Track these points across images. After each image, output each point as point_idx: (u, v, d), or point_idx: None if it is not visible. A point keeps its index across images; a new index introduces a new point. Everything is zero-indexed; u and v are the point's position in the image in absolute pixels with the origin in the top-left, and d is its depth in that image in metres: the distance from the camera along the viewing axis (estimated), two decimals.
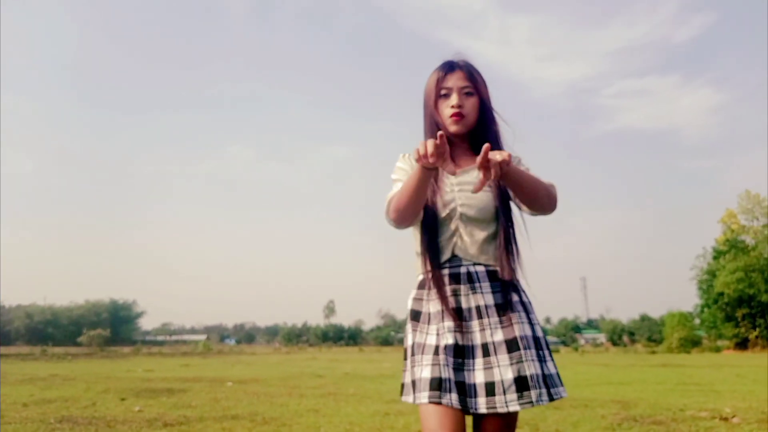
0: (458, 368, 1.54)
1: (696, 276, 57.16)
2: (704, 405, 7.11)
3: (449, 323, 1.57)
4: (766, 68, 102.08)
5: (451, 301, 1.61)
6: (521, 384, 1.51)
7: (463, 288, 1.62)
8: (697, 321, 59.46)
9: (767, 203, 53.47)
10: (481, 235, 1.66)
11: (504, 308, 1.61)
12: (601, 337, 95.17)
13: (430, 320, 1.62)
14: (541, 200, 1.60)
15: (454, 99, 1.70)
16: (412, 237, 1.76)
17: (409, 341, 1.65)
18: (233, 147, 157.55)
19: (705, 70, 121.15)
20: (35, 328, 79.31)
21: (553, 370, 1.60)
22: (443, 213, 1.66)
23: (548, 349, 1.64)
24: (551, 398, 1.55)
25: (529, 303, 1.68)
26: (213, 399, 7.86)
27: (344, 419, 5.97)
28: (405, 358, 1.64)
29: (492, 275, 1.64)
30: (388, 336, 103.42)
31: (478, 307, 1.60)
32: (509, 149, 1.76)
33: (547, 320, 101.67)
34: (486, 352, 1.55)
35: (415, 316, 1.67)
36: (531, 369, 1.53)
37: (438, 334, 1.57)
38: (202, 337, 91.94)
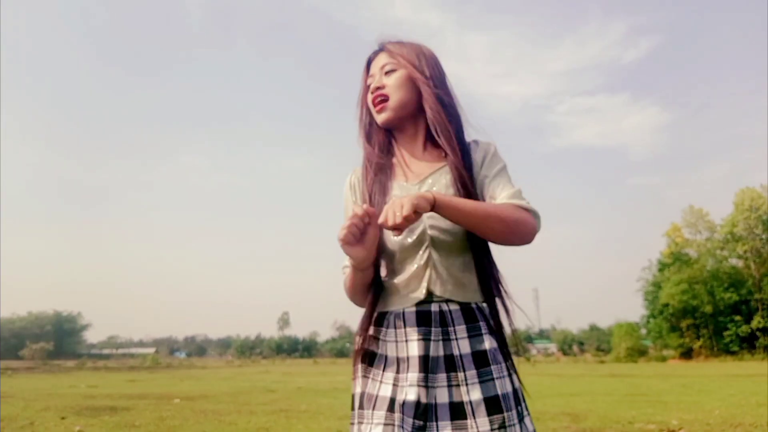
0: (418, 430, 1.19)
1: (642, 287, 58.92)
2: (652, 417, 7.24)
3: (413, 374, 1.21)
4: (709, 88, 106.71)
5: (420, 347, 1.24)
6: None
7: (434, 332, 1.25)
8: (644, 331, 61.18)
9: (710, 218, 55.60)
10: (456, 264, 1.29)
11: (484, 359, 1.25)
12: (552, 347, 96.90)
13: (386, 366, 1.27)
14: (494, 231, 1.22)
15: (373, 84, 1.39)
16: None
17: (357, 388, 1.31)
18: (186, 157, 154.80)
19: (652, 90, 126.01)
20: None
21: (530, 428, 1.27)
22: (410, 239, 1.29)
23: (523, 402, 1.29)
24: None
25: (503, 349, 1.31)
26: (158, 418, 7.58)
27: None
28: (352, 408, 1.32)
29: (468, 315, 1.28)
30: (344, 348, 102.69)
31: (450, 357, 1.24)
32: (470, 130, 1.41)
33: None
34: (458, 414, 1.19)
35: (369, 358, 1.31)
36: None
37: (395, 385, 1.23)
38: (151, 350, 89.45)
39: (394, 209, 1.11)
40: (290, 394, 12.39)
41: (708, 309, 50.88)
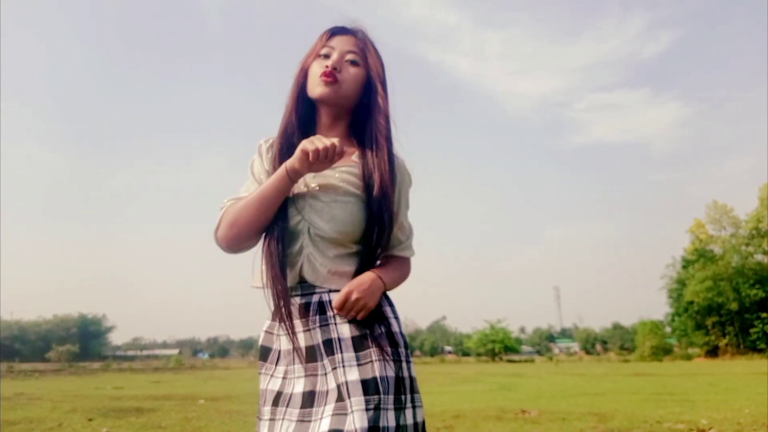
0: (302, 419, 1.22)
1: (666, 285, 58.19)
2: (680, 416, 7.13)
3: (299, 365, 1.28)
4: (730, 82, 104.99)
5: (303, 338, 1.29)
6: None
7: (312, 320, 1.29)
8: (668, 329, 60.43)
9: (734, 213, 54.72)
10: (334, 255, 1.32)
11: (362, 342, 1.27)
12: (575, 346, 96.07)
13: (279, 360, 1.33)
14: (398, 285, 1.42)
15: (332, 60, 1.39)
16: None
17: (261, 385, 1.36)
18: (204, 157, 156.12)
19: (673, 84, 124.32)
20: (1, 344, 77.10)
21: (410, 421, 1.24)
22: (290, 222, 1.33)
23: (414, 392, 1.29)
24: None
25: (401, 334, 1.32)
26: (184, 418, 7.64)
27: None
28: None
29: None
30: None
31: (329, 341, 1.27)
32: (399, 149, 1.44)
33: (522, 330, 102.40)
34: (340, 397, 1.21)
35: (264, 354, 1.37)
36: (388, 420, 1.19)
37: (285, 378, 1.30)
38: (174, 351, 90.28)
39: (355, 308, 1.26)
40: None
41: (734, 306, 50.08)
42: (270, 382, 1.31)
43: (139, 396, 12.12)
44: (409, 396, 1.26)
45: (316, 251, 1.31)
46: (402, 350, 1.30)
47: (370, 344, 1.26)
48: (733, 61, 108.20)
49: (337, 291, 1.30)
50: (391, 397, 1.22)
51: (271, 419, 1.26)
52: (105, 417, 7.83)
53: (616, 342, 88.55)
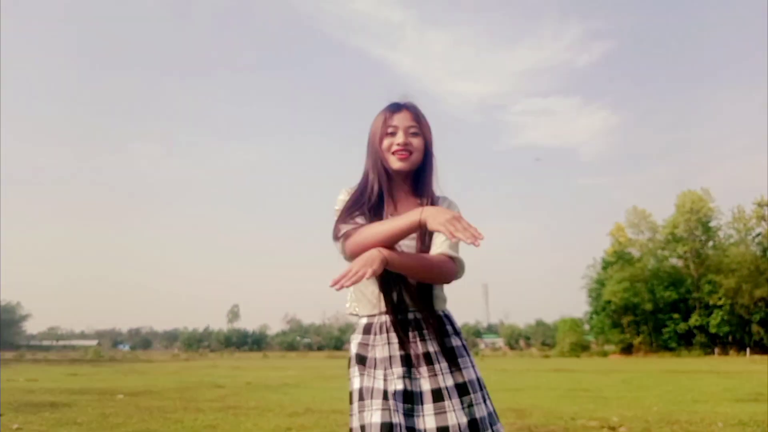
0: (408, 414, 1.56)
1: (587, 285, 60.75)
2: (594, 413, 7.48)
3: (398, 369, 1.60)
4: (655, 94, 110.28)
5: (401, 347, 1.64)
6: (473, 427, 1.58)
7: (411, 335, 1.66)
8: (587, 327, 63.03)
9: (652, 219, 57.63)
10: (415, 281, 1.69)
11: (452, 354, 1.67)
12: (500, 342, 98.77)
13: (377, 365, 1.64)
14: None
15: (400, 137, 1.74)
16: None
17: (356, 385, 1.65)
18: (137, 144, 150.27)
19: (603, 94, 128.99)
20: None
21: (491, 408, 1.67)
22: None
23: (485, 387, 1.71)
24: None
25: (465, 345, 1.73)
26: (101, 414, 7.38)
27: None
28: (351, 402, 1.65)
29: (438, 321, 1.69)
30: (294, 341, 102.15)
31: (427, 354, 1.64)
32: (442, 192, 1.83)
33: None
34: (438, 397, 1.58)
35: (361, 360, 1.68)
36: (480, 412, 1.60)
37: (386, 380, 1.60)
38: (93, 342, 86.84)
39: (366, 265, 1.49)
40: (239, 389, 12.27)
41: (648, 306, 52.83)
42: (375, 382, 1.60)
43: (54, 389, 11.63)
44: (485, 391, 1.69)
45: (407, 278, 1.67)
46: (472, 358, 1.72)
47: (457, 355, 1.66)
48: (658, 74, 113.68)
49: (420, 312, 1.68)
50: (479, 395, 1.64)
51: (384, 409, 1.53)
52: (17, 412, 7.45)
53: (539, 338, 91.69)
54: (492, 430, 1.63)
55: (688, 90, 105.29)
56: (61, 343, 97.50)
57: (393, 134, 1.76)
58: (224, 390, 12.01)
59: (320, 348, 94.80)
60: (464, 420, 1.56)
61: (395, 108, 1.79)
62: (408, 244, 1.71)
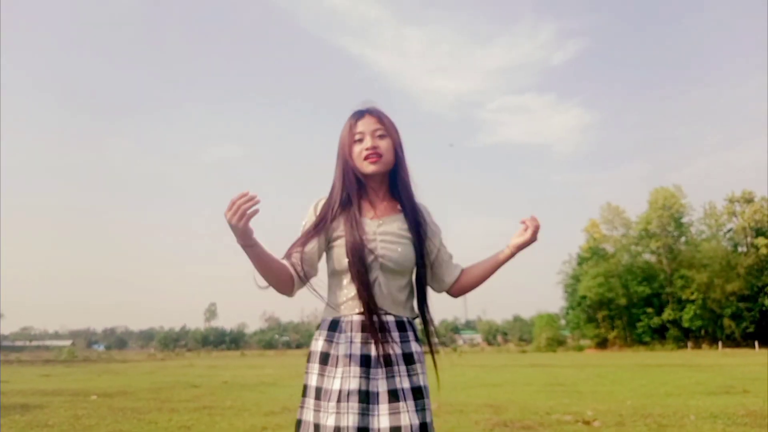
0: (363, 413, 1.60)
1: (562, 280, 61.41)
2: (568, 408, 7.56)
3: (356, 368, 1.64)
4: (628, 92, 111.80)
5: (362, 347, 1.68)
6: (423, 430, 1.63)
7: (377, 336, 1.69)
8: (563, 322, 63.76)
9: (626, 215, 58.41)
10: (395, 286, 1.74)
11: (411, 359, 1.72)
12: (478, 338, 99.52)
13: (338, 363, 1.68)
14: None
15: (368, 141, 1.76)
16: (323, 273, 1.80)
17: (313, 382, 1.69)
18: (111, 140, 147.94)
19: (577, 91, 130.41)
20: None
21: (429, 419, 1.70)
22: (367, 260, 1.72)
23: (428, 396, 1.74)
24: None
25: (422, 353, 1.77)
26: (73, 416, 7.25)
27: None
28: (304, 396, 1.70)
29: (400, 326, 1.73)
30: (272, 339, 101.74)
31: (387, 356, 1.67)
32: (419, 193, 1.87)
33: None
34: (394, 398, 1.62)
35: (324, 359, 1.71)
36: (428, 417, 1.67)
37: (342, 377, 1.64)
38: (67, 342, 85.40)
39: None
40: (215, 389, 12.15)
41: (622, 301, 53.56)
42: (333, 382, 1.64)
43: (25, 391, 11.41)
44: (428, 400, 1.71)
45: (385, 281, 1.72)
46: (424, 365, 1.75)
47: (415, 361, 1.70)
48: (631, 73, 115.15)
49: (392, 314, 1.72)
50: (429, 401, 1.69)
51: (337, 413, 1.58)
52: None
53: (516, 333, 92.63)
54: None
55: (660, 88, 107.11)
56: (35, 343, 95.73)
57: (361, 140, 1.78)
58: (200, 390, 11.90)
59: (299, 346, 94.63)
60: (416, 422, 1.60)
61: (359, 115, 1.81)
62: (402, 236, 1.76)
